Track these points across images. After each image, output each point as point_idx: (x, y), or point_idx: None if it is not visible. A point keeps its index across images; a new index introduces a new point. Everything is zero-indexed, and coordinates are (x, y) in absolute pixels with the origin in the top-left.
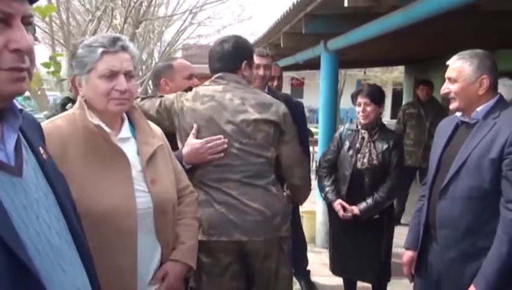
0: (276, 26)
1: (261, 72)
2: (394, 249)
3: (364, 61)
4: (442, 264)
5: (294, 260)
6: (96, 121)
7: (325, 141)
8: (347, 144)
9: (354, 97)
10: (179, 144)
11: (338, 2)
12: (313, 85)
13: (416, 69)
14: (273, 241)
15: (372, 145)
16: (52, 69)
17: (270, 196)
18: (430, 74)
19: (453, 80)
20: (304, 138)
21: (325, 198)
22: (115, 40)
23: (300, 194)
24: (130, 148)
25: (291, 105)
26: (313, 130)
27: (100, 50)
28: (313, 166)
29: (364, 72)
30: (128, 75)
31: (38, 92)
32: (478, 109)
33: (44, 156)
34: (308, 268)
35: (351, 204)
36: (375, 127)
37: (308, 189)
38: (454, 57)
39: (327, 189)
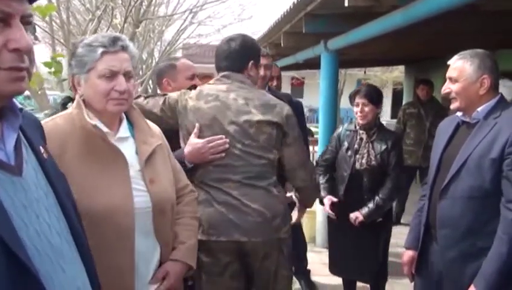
0: (276, 25)
1: (261, 72)
2: (395, 249)
3: (365, 61)
4: (443, 264)
5: (294, 259)
6: (93, 121)
7: (325, 141)
8: (345, 144)
9: (352, 97)
10: (182, 143)
11: (338, 1)
12: (313, 85)
13: (417, 69)
14: (273, 242)
15: (370, 146)
16: (53, 69)
17: (271, 197)
18: (430, 74)
19: (454, 80)
20: (303, 138)
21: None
22: (115, 40)
23: (305, 196)
24: (128, 148)
25: (291, 105)
26: (313, 129)
27: (100, 50)
28: None
29: (365, 72)
30: (128, 76)
31: (39, 92)
32: (479, 109)
33: (44, 155)
34: (308, 268)
35: (349, 205)
36: (373, 127)
37: (313, 191)
38: (455, 57)
39: (321, 186)
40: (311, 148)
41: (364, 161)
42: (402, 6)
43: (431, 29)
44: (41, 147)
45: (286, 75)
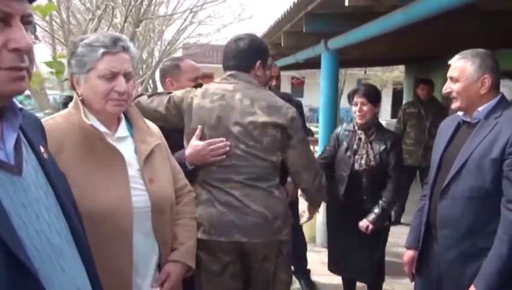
0: (276, 25)
1: None
2: (395, 249)
3: (365, 60)
4: (443, 264)
5: (294, 259)
6: (91, 120)
7: (325, 141)
8: (344, 144)
9: (350, 97)
10: (185, 142)
11: (338, 1)
12: (313, 84)
13: (417, 69)
14: (273, 243)
15: (369, 146)
16: (55, 69)
17: (272, 199)
18: (430, 74)
19: (454, 80)
20: None
21: None
22: (116, 41)
23: (310, 197)
24: (127, 147)
25: (290, 104)
26: (313, 129)
27: (101, 50)
28: None
29: (365, 72)
30: (128, 77)
31: (39, 91)
32: (480, 109)
33: (44, 155)
34: (308, 267)
35: (349, 205)
36: (371, 127)
37: (317, 194)
38: (456, 57)
39: None
40: (311, 148)
41: (363, 161)
42: (402, 5)
43: (431, 29)
44: (41, 147)
45: (286, 75)
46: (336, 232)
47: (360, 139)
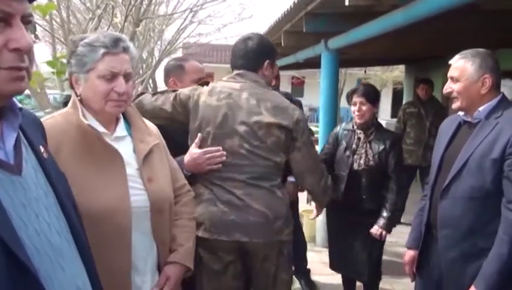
0: (276, 24)
1: None
2: (395, 248)
3: (365, 60)
4: (443, 264)
5: (294, 259)
6: (89, 120)
7: (325, 141)
8: (343, 144)
9: (349, 96)
10: (189, 141)
11: (339, 0)
12: (313, 84)
13: (417, 68)
14: (274, 244)
15: (368, 146)
16: (56, 69)
17: (274, 199)
18: (430, 73)
19: (455, 79)
20: None
21: None
22: (116, 41)
23: (314, 197)
24: (126, 147)
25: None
26: (313, 129)
27: (102, 50)
28: None
29: (365, 71)
30: (127, 77)
31: (39, 91)
32: (480, 109)
33: (44, 154)
34: (308, 267)
35: (348, 204)
36: (370, 127)
37: (321, 195)
38: (457, 56)
39: None
40: None
41: (362, 161)
42: (402, 5)
43: (431, 29)
44: (41, 147)
45: (286, 75)
46: (335, 232)
47: (359, 138)
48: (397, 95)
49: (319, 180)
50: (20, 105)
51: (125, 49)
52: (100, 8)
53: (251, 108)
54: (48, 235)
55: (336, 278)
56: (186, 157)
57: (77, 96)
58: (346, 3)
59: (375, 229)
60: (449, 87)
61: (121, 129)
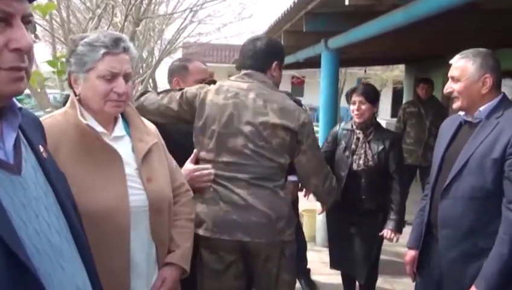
0: (276, 24)
1: None
2: (395, 248)
3: (365, 59)
4: (444, 264)
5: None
6: (88, 120)
7: (324, 140)
8: (343, 143)
9: (348, 96)
10: (194, 138)
11: (339, 0)
12: (313, 83)
13: (417, 68)
14: (276, 244)
15: (367, 146)
16: (56, 69)
17: (277, 199)
18: (430, 73)
19: (456, 79)
20: None
21: None
22: (117, 41)
23: (318, 198)
24: (124, 146)
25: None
26: None
27: (102, 50)
28: None
29: (365, 71)
30: (127, 77)
31: (39, 90)
32: (481, 108)
33: (44, 154)
34: (308, 267)
35: (348, 205)
36: (369, 127)
37: (325, 196)
38: (457, 56)
39: None
40: None
41: (361, 161)
42: (402, 5)
43: (431, 28)
44: (40, 146)
45: (286, 74)
46: (335, 232)
47: (358, 138)
48: (397, 95)
49: (324, 182)
50: (19, 105)
51: (126, 49)
52: (100, 8)
53: (257, 108)
54: (47, 235)
55: (336, 278)
56: (183, 171)
57: (76, 95)
58: (346, 2)
59: (387, 233)
60: (450, 87)
61: (120, 129)
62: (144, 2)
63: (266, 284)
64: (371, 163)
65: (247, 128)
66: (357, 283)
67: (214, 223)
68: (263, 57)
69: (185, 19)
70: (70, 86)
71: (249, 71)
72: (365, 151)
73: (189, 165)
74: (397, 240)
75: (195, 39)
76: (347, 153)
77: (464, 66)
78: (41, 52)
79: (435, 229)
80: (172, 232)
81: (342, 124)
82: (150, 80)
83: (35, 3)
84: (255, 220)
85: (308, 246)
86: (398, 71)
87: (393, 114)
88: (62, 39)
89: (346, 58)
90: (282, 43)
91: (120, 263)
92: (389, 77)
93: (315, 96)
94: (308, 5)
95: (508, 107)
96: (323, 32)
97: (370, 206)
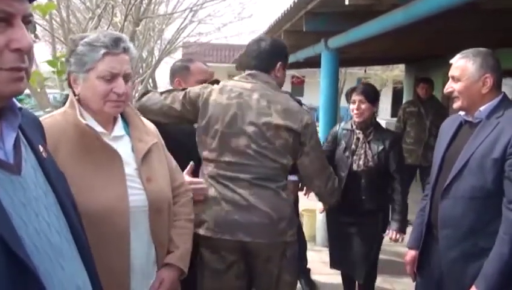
0: (276, 24)
1: None
2: (395, 248)
3: (365, 59)
4: (444, 264)
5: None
6: (87, 120)
7: (325, 140)
8: (343, 144)
9: (348, 95)
10: (197, 138)
11: (339, 0)
12: (313, 83)
13: (417, 68)
14: (277, 245)
15: (367, 146)
16: (56, 69)
17: (279, 200)
18: (430, 72)
19: (456, 79)
20: None
21: None
22: (117, 41)
23: (321, 199)
24: (124, 146)
25: None
26: None
27: (102, 51)
28: None
29: (365, 71)
30: (127, 78)
31: (39, 90)
32: (481, 108)
33: (44, 154)
34: (308, 266)
35: (347, 205)
36: (369, 127)
37: (328, 197)
38: (458, 56)
39: None
40: None
41: (361, 162)
42: (402, 4)
43: (431, 28)
44: (40, 146)
45: (286, 74)
46: (335, 232)
47: (358, 139)
48: (397, 95)
49: (326, 183)
50: (19, 105)
51: (126, 50)
52: (100, 8)
53: (261, 109)
54: (47, 235)
55: (336, 278)
56: None
57: (75, 95)
58: (346, 2)
59: (392, 234)
60: (450, 86)
61: (119, 129)
62: (143, 1)
63: (267, 285)
64: (371, 163)
65: (250, 129)
66: (357, 283)
67: (216, 223)
68: (267, 57)
69: (185, 19)
70: (70, 86)
71: (253, 71)
72: (365, 152)
73: (186, 177)
74: (402, 240)
75: (195, 39)
76: (347, 153)
77: (464, 66)
78: (41, 52)
79: (435, 229)
80: (171, 233)
81: (342, 124)
82: (150, 80)
83: (35, 3)
84: (256, 220)
85: (308, 246)
86: (398, 71)
87: (393, 114)
88: (62, 39)
89: (346, 58)
90: None
91: (120, 263)
92: (389, 76)
93: (315, 96)
94: (308, 5)
95: (509, 107)
96: (323, 32)
97: (370, 206)
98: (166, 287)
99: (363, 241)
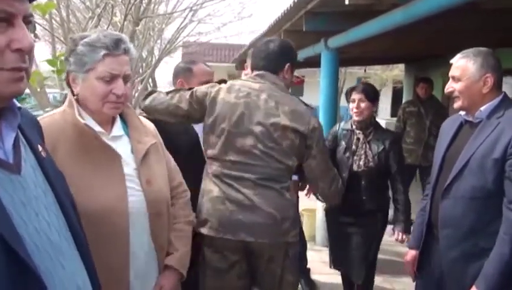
0: (276, 23)
1: None
2: (395, 247)
3: (365, 59)
4: (444, 264)
5: None
6: (86, 119)
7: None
8: (343, 144)
9: (348, 94)
10: (203, 136)
11: None
12: (313, 83)
13: (417, 67)
14: (280, 245)
15: (367, 146)
16: (56, 68)
17: (283, 200)
18: (430, 72)
19: (456, 79)
20: None
21: None
22: (117, 42)
23: (325, 200)
24: (123, 146)
25: None
26: None
27: (103, 52)
28: None
29: (365, 70)
30: (126, 79)
31: (39, 90)
32: (482, 108)
33: (43, 153)
34: (308, 266)
35: (347, 206)
36: (369, 126)
37: (331, 197)
38: (458, 56)
39: None
40: None
41: (361, 162)
42: (402, 4)
43: (431, 28)
44: (39, 146)
45: None
46: (335, 233)
47: (358, 139)
48: (397, 94)
49: (330, 185)
50: (19, 104)
51: (126, 51)
52: (100, 7)
53: (269, 109)
54: (47, 234)
55: (336, 278)
56: None
57: (74, 95)
58: (346, 2)
59: (398, 236)
60: (450, 86)
61: (118, 128)
62: (143, 1)
63: (270, 285)
64: (371, 164)
65: (257, 129)
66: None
67: (220, 222)
68: (276, 58)
69: (185, 18)
70: (69, 85)
71: (261, 72)
72: (365, 152)
73: None
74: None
75: (195, 38)
76: (347, 154)
77: (464, 66)
78: (41, 52)
79: (436, 229)
80: (171, 235)
81: (342, 124)
82: (150, 80)
83: (34, 2)
84: (260, 220)
85: (308, 245)
86: (397, 71)
87: (393, 113)
88: (62, 38)
89: (346, 57)
90: None
91: (119, 262)
92: (388, 76)
93: (315, 95)
94: (308, 5)
95: (509, 107)
96: (323, 32)
97: (370, 206)
98: None
99: (363, 241)
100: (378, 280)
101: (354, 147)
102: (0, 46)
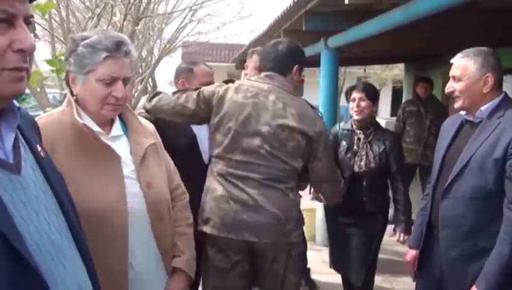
0: (276, 23)
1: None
2: (395, 247)
3: (365, 58)
4: (445, 263)
5: None
6: (84, 120)
7: None
8: (344, 144)
9: (348, 93)
10: (209, 135)
11: None
12: (313, 82)
13: (416, 67)
14: (283, 245)
15: (368, 147)
16: (55, 67)
17: (287, 201)
18: (430, 72)
19: (457, 79)
20: None
21: None
22: (119, 45)
23: (327, 200)
24: (122, 147)
25: None
26: None
27: (104, 54)
28: None
29: (365, 70)
30: (126, 81)
31: (38, 90)
32: (482, 108)
33: (42, 153)
34: (308, 266)
35: (348, 207)
36: (369, 126)
37: (334, 198)
38: (459, 55)
39: None
40: None
41: (363, 163)
42: (402, 4)
43: (431, 27)
44: (38, 146)
45: None
46: (335, 233)
47: (359, 139)
48: (397, 94)
49: (333, 186)
50: (18, 105)
51: (127, 53)
52: (99, 7)
53: (277, 111)
54: (48, 234)
55: (336, 277)
56: None
57: (73, 95)
58: (346, 1)
59: (400, 236)
60: (451, 86)
61: (117, 129)
62: (143, 1)
63: (272, 285)
64: (372, 165)
65: (264, 129)
66: None
67: (223, 222)
68: (284, 60)
69: (185, 18)
70: (68, 85)
71: (269, 73)
72: (366, 153)
73: None
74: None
75: (194, 38)
76: (349, 154)
77: (465, 66)
78: (41, 52)
79: (436, 229)
80: (175, 239)
81: (342, 124)
82: (150, 79)
83: (34, 2)
84: (264, 221)
85: (308, 245)
86: (397, 70)
87: (393, 113)
88: (61, 38)
89: (345, 57)
90: None
91: (118, 262)
92: (388, 76)
93: (314, 95)
94: (307, 4)
95: (510, 107)
96: (323, 31)
97: (370, 207)
98: None
99: (362, 242)
100: (378, 280)
101: (355, 147)
102: (1, 46)
